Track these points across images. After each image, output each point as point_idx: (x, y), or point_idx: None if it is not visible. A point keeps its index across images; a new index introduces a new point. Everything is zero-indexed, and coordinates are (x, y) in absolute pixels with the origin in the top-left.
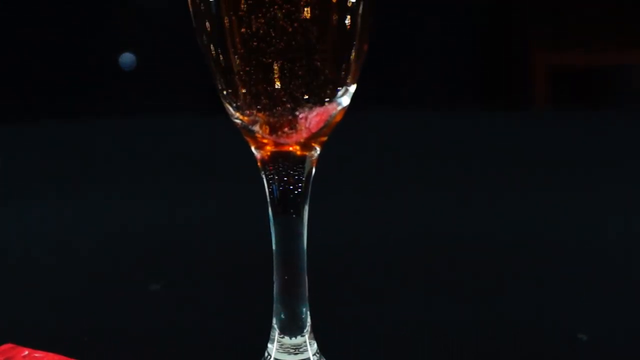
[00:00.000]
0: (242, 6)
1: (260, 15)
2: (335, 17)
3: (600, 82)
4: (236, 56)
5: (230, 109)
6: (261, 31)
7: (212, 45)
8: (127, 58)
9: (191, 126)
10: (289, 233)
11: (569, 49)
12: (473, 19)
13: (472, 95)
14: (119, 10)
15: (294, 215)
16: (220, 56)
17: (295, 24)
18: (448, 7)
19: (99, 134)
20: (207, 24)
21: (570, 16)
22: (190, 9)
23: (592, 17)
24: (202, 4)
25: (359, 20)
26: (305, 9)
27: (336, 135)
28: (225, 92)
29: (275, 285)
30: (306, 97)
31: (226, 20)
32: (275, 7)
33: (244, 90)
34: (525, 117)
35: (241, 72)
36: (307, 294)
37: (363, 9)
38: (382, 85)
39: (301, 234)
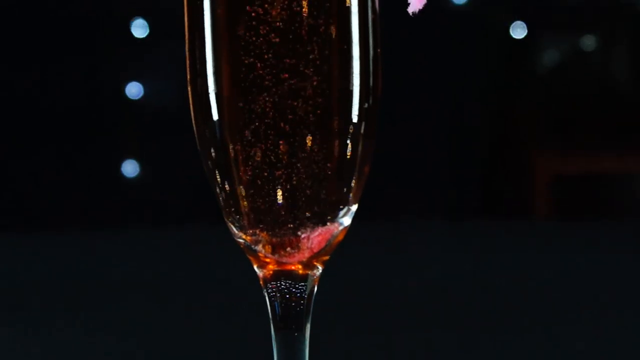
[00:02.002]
0: (247, 134)
1: (263, 143)
2: (337, 143)
3: (602, 191)
4: (240, 183)
5: (234, 228)
6: (265, 159)
7: (216, 171)
8: None
9: (193, 237)
10: (290, 349)
11: (571, 158)
12: (476, 127)
13: (473, 202)
14: (122, 116)
15: (295, 333)
16: (225, 182)
17: (300, 154)
18: (450, 115)
19: (99, 244)
20: (212, 149)
21: (572, 126)
22: (196, 134)
23: (594, 128)
24: (206, 130)
25: (360, 144)
26: (308, 137)
27: (340, 249)
28: (228, 212)
29: None
30: (308, 214)
31: (230, 148)
32: (280, 140)
33: (247, 210)
34: (526, 226)
35: (245, 195)
36: None
37: (365, 131)
38: (383, 193)
39: (302, 350)
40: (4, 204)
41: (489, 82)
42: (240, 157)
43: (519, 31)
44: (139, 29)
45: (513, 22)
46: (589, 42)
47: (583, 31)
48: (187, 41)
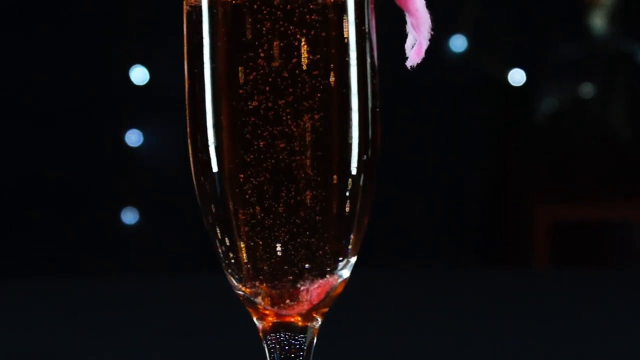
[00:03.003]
0: (246, 188)
1: (263, 197)
2: (336, 196)
3: (602, 239)
4: (240, 237)
5: (233, 280)
6: (265, 213)
7: (216, 225)
8: None
9: (192, 288)
10: None
11: (571, 206)
12: (475, 176)
13: (473, 250)
14: (122, 163)
15: None
16: (225, 236)
17: (299, 207)
18: (449, 163)
19: (98, 291)
20: (212, 205)
21: (571, 174)
22: (196, 189)
23: (593, 175)
24: (207, 184)
25: (359, 196)
26: (307, 191)
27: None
28: (228, 264)
29: None
30: (307, 267)
31: (231, 203)
32: (279, 194)
33: (246, 263)
34: (525, 274)
35: (244, 248)
36: None
37: (364, 183)
38: (381, 242)
39: None
40: (4, 250)
41: (488, 129)
42: (240, 210)
43: (517, 78)
44: (139, 75)
45: (511, 69)
46: (587, 89)
47: (581, 79)
48: (186, 93)
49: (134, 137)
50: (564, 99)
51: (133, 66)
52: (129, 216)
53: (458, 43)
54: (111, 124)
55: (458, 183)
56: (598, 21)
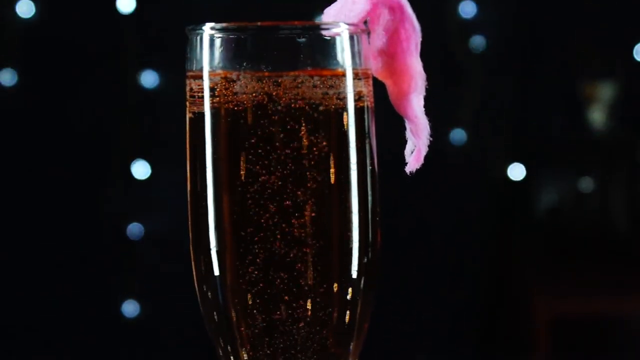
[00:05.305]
0: (248, 297)
1: (265, 307)
2: (337, 304)
3: (602, 332)
4: (242, 344)
5: None
6: (267, 323)
7: (219, 337)
8: None
9: None
10: None
11: (570, 300)
12: (474, 269)
13: (472, 346)
14: (123, 256)
15: None
16: (228, 345)
17: (300, 324)
18: (449, 258)
19: None
20: (215, 314)
21: (571, 267)
22: (198, 297)
23: (593, 269)
24: (209, 293)
25: (359, 306)
26: (308, 301)
27: None
28: None
29: None
30: None
31: (233, 314)
32: (280, 304)
33: None
34: None
35: (246, 357)
36: None
37: (364, 289)
38: (382, 334)
39: None
40: (5, 339)
41: (487, 224)
42: (242, 321)
43: (517, 173)
44: (140, 169)
45: (511, 163)
46: (587, 184)
47: (581, 173)
48: (189, 199)
49: (135, 231)
50: (564, 194)
51: (134, 160)
52: (130, 309)
53: (458, 137)
54: (113, 218)
55: (457, 279)
56: (597, 115)
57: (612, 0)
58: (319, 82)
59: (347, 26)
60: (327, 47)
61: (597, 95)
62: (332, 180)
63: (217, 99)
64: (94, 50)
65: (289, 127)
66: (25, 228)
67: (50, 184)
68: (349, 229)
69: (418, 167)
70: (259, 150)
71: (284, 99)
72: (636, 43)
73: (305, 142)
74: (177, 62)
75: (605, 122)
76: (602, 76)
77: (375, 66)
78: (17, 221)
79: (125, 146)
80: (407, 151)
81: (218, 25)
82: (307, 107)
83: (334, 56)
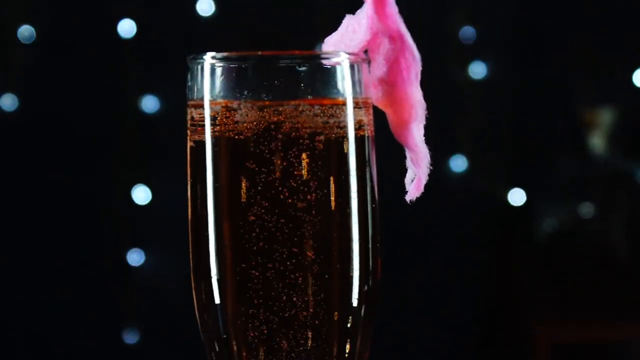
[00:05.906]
0: (249, 325)
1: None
2: (337, 337)
3: (601, 357)
4: None
5: None
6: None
7: None
8: None
9: None
10: None
11: (570, 326)
12: (474, 295)
13: None
14: (124, 283)
15: None
16: None
17: (301, 353)
18: (447, 284)
19: None
20: (215, 343)
21: (571, 294)
22: (199, 325)
23: (594, 296)
24: (209, 321)
25: (359, 335)
26: (309, 331)
27: None
28: None
29: None
30: None
31: (233, 342)
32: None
33: None
34: None
35: None
36: None
37: (364, 319)
38: (384, 354)
39: None
40: None
41: (487, 249)
42: (243, 349)
43: (517, 198)
44: (141, 194)
45: (511, 189)
46: (587, 209)
47: (581, 199)
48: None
49: (135, 257)
50: (564, 219)
51: (135, 186)
52: (130, 337)
53: (458, 163)
54: (112, 244)
55: (456, 303)
56: (597, 141)
57: (612, 28)
58: (319, 111)
59: (347, 55)
60: (327, 76)
61: (597, 121)
62: (333, 209)
63: (218, 127)
64: (94, 74)
65: (289, 156)
66: (26, 259)
67: (49, 209)
68: (349, 258)
69: (418, 196)
70: (260, 179)
71: (284, 127)
72: (635, 69)
73: (305, 170)
74: (178, 88)
75: (606, 148)
76: (602, 102)
77: (375, 95)
78: (18, 252)
79: (124, 175)
80: (407, 180)
81: (219, 55)
82: (307, 136)
83: (335, 85)
